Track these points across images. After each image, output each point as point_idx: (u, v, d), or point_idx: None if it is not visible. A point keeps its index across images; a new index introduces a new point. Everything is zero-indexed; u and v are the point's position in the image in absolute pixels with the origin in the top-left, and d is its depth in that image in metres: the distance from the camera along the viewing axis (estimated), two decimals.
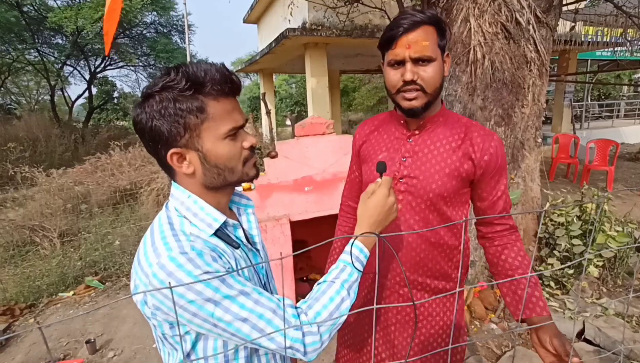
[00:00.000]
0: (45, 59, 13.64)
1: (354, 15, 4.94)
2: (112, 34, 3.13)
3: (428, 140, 1.03)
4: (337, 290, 0.73)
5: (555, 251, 2.82)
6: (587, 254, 2.72)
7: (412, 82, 0.93)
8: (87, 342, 2.61)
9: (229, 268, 0.69)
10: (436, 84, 0.95)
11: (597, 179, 6.33)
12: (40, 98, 18.21)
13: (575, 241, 2.75)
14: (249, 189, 2.38)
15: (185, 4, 4.04)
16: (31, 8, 12.53)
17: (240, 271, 0.72)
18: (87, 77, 15.11)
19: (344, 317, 0.74)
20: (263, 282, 0.85)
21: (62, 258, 4.04)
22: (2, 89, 15.45)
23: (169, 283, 0.62)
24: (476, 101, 2.66)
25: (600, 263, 2.84)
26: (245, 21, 11.22)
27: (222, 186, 0.76)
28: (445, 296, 1.10)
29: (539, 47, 2.58)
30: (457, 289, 0.83)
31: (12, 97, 17.32)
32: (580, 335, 2.38)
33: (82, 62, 14.83)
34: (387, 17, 3.91)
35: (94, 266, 3.86)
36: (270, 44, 7.75)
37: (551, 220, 2.93)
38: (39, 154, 9.27)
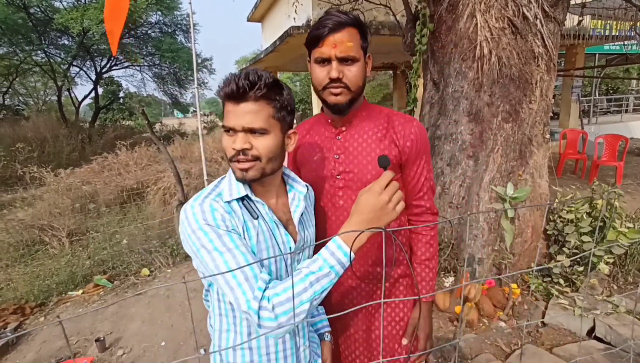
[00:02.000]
0: (52, 60, 13.77)
1: (358, 13, 4.92)
2: (118, 34, 3.12)
3: (355, 134, 1.08)
4: (300, 279, 0.76)
5: (564, 248, 2.79)
6: (597, 251, 2.69)
7: (338, 79, 0.99)
8: (96, 340, 2.64)
9: (233, 229, 0.80)
10: (359, 82, 1.01)
11: (606, 175, 6.26)
12: (47, 99, 18.40)
13: (585, 238, 2.71)
14: None
15: (190, 3, 4.03)
16: (38, 10, 12.64)
17: (247, 237, 0.84)
18: (93, 77, 15.25)
19: (306, 306, 0.75)
20: (289, 262, 0.90)
21: (71, 257, 4.08)
22: (10, 90, 15.63)
23: (184, 222, 0.81)
24: (483, 97, 2.64)
25: (611, 260, 2.80)
26: (249, 19, 11.23)
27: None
28: (399, 281, 1.17)
29: (546, 42, 2.55)
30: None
31: (20, 98, 17.52)
32: (590, 332, 2.36)
33: (88, 62, 14.96)
34: (392, 13, 3.88)
35: (102, 265, 3.90)
36: (275, 42, 7.74)
37: (560, 217, 2.90)
38: (47, 154, 9.37)
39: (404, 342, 1.13)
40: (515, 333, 2.45)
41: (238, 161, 0.83)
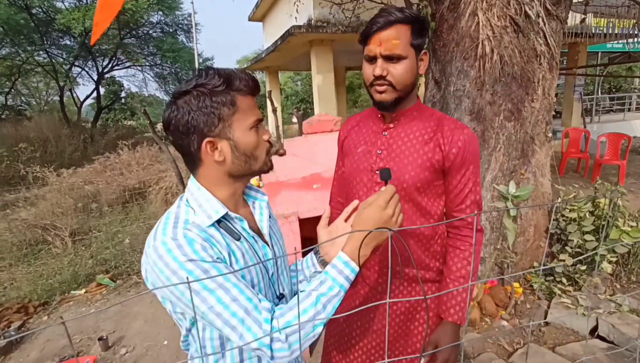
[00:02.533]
0: (54, 60, 13.81)
1: (359, 12, 4.90)
2: (104, 27, 3.09)
3: (402, 133, 1.07)
4: (312, 302, 0.73)
5: (567, 247, 2.79)
6: (600, 250, 2.68)
7: (382, 77, 0.98)
8: (99, 339, 2.65)
9: (218, 258, 0.72)
10: (406, 81, 1.00)
11: (609, 174, 6.24)
12: (49, 99, 18.44)
13: (588, 237, 2.71)
14: (258, 186, 2.37)
15: (192, 3, 4.04)
16: (40, 10, 12.66)
17: (234, 262, 0.76)
18: (95, 77, 15.27)
19: (319, 329, 0.73)
20: (271, 273, 0.86)
21: (73, 257, 4.10)
22: (12, 90, 15.67)
23: (159, 263, 0.70)
24: (485, 96, 2.63)
25: (614, 259, 2.80)
26: (250, 19, 11.22)
27: (244, 175, 0.83)
28: (426, 284, 1.14)
29: (549, 40, 2.54)
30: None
31: (23, 98, 17.56)
32: (593, 332, 2.35)
33: (90, 62, 14.98)
34: None
35: (104, 264, 3.91)
36: (276, 41, 7.73)
37: (563, 216, 2.89)
38: (50, 154, 9.39)
39: (422, 361, 1.09)
40: (517, 332, 2.44)
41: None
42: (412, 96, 1.06)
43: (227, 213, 0.79)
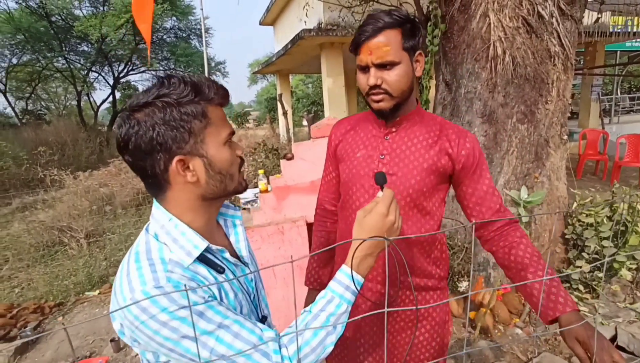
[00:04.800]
0: (72, 66, 14.21)
1: (378, 9, 4.90)
2: (149, 33, 3.23)
3: (405, 137, 1.05)
4: (322, 323, 0.69)
5: (584, 253, 2.71)
6: (619, 256, 2.60)
7: (377, 86, 0.96)
8: (111, 340, 2.68)
9: (209, 297, 0.65)
10: (402, 87, 0.97)
11: (629, 176, 6.06)
12: (67, 103, 18.95)
13: (606, 243, 2.62)
14: (266, 191, 2.38)
15: (202, 9, 4.11)
16: (59, 18, 13.04)
17: (224, 297, 0.70)
18: (111, 82, 15.63)
19: (330, 349, 0.70)
20: (252, 296, 0.82)
21: (88, 258, 4.17)
22: (33, 95, 16.16)
23: (141, 317, 0.60)
24: (497, 98, 2.59)
25: (634, 266, 2.70)
26: (261, 23, 11.34)
27: (220, 196, 0.74)
28: (429, 293, 1.10)
29: (563, 41, 2.48)
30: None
31: (42, 103, 18.10)
32: (612, 341, 2.28)
33: (106, 68, 15.34)
34: None
35: (118, 266, 3.96)
36: (286, 45, 7.78)
37: (579, 221, 2.81)
38: (67, 157, 9.62)
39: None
40: (532, 341, 2.38)
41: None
42: (411, 100, 1.04)
43: (207, 246, 0.70)
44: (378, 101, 0.98)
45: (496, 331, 2.47)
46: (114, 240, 4.63)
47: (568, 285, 2.75)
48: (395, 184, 1.02)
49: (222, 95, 0.71)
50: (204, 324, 0.61)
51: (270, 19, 10.82)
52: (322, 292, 0.74)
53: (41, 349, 2.80)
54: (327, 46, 7.24)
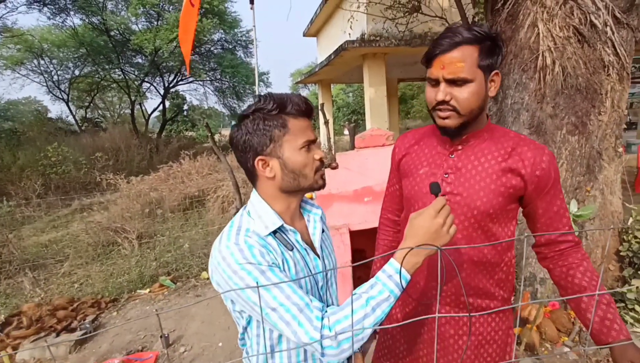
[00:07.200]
0: (127, 77, 15.22)
1: (413, 25, 4.89)
2: (189, 54, 3.45)
3: (472, 155, 0.99)
4: (361, 304, 0.75)
5: None
6: None
7: (445, 102, 0.92)
8: (161, 337, 2.85)
9: (273, 263, 0.80)
10: (472, 106, 0.92)
11: None
12: (122, 112, 20.30)
13: None
14: (311, 198, 2.46)
15: (254, 27, 4.33)
16: (117, 32, 14.06)
17: (287, 269, 0.84)
18: (162, 92, 16.56)
19: (369, 331, 0.75)
20: (320, 285, 0.92)
21: (139, 258, 4.46)
22: (91, 104, 17.49)
23: (222, 264, 0.80)
24: (545, 109, 2.52)
25: None
26: (305, 35, 11.60)
27: (295, 191, 0.90)
28: (491, 315, 1.05)
29: (618, 50, 2.38)
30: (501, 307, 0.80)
31: (99, 111, 19.53)
32: None
33: (157, 78, 16.28)
34: (448, 24, 3.83)
35: (166, 267, 4.21)
36: (329, 56, 7.92)
37: (635, 237, 2.65)
38: (121, 162, 10.29)
39: None
40: (581, 362, 2.27)
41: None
42: (480, 119, 0.98)
43: (282, 225, 0.87)
44: (444, 118, 0.94)
45: (543, 349, 2.38)
46: (163, 241, 4.91)
47: (623, 304, 2.60)
48: (459, 204, 0.98)
49: (304, 110, 0.87)
50: (264, 280, 0.77)
51: (314, 30, 11.06)
52: (371, 279, 0.79)
53: (98, 341, 3.02)
54: (370, 56, 7.29)
